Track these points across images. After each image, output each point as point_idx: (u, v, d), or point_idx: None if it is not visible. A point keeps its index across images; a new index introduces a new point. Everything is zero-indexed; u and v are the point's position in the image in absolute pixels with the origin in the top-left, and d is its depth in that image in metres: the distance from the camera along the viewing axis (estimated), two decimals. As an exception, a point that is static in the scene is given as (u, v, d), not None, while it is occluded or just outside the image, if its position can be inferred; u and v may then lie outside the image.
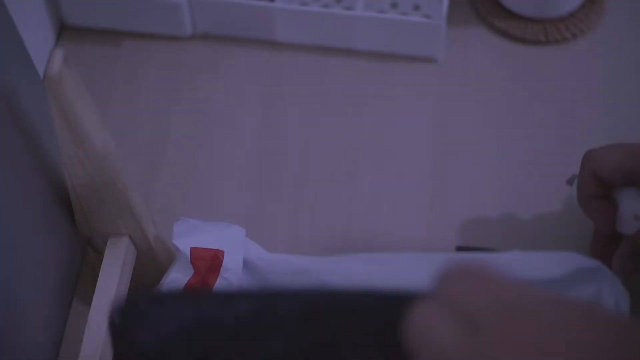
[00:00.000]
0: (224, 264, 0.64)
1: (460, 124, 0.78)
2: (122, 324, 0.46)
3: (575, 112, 0.78)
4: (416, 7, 0.82)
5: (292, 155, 0.77)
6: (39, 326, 0.59)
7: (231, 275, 0.64)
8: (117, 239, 0.63)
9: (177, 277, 0.64)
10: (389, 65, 0.81)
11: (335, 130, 0.78)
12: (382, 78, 0.81)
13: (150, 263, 0.66)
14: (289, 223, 0.73)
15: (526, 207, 0.73)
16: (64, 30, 0.84)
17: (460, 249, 0.70)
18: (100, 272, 0.62)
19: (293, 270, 0.66)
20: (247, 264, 0.65)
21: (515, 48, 0.82)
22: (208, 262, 0.64)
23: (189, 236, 0.64)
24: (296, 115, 0.79)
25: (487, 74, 0.81)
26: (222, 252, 0.64)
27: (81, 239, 0.64)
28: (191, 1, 0.81)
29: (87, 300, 0.62)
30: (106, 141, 0.57)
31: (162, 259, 0.66)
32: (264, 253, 0.66)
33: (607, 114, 0.78)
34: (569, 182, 0.68)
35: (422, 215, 0.73)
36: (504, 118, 0.79)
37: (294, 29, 0.81)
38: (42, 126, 0.58)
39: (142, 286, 0.68)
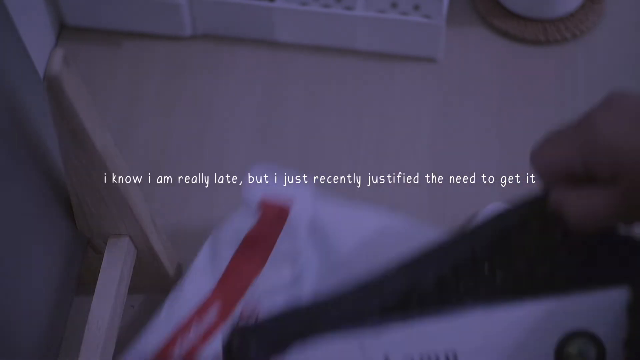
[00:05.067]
0: (290, 215, 0.65)
1: (460, 123, 0.78)
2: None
3: (575, 112, 0.78)
4: (416, 7, 0.82)
5: (292, 156, 0.77)
6: (38, 326, 0.59)
7: (297, 228, 0.65)
8: (117, 239, 0.63)
9: (242, 221, 0.65)
10: (389, 65, 0.81)
11: (335, 130, 0.78)
12: (382, 78, 0.81)
13: (150, 263, 0.66)
14: (289, 223, 0.73)
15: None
16: (64, 30, 0.84)
17: None
18: (100, 272, 0.62)
19: (361, 226, 0.66)
20: (313, 220, 0.66)
21: (515, 48, 0.82)
22: (275, 212, 0.65)
23: (259, 184, 0.65)
24: (296, 115, 0.79)
25: (487, 74, 0.81)
26: (290, 203, 0.65)
27: (81, 239, 0.64)
28: (191, 1, 0.81)
29: (87, 300, 0.62)
30: (106, 141, 0.57)
31: (162, 259, 0.66)
32: (335, 205, 0.67)
33: (607, 114, 0.78)
34: None
35: (421, 215, 0.73)
36: (503, 118, 0.79)
37: (294, 29, 0.81)
38: (42, 126, 0.58)
39: (141, 286, 0.68)
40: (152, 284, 0.68)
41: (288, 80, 0.81)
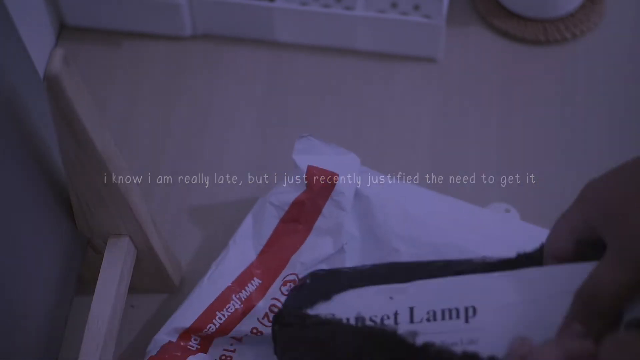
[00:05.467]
0: (336, 187, 0.66)
1: (460, 123, 0.78)
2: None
3: (575, 112, 0.78)
4: (416, 7, 0.82)
5: (292, 156, 0.77)
6: (39, 326, 0.59)
7: (342, 199, 0.66)
8: (117, 239, 0.63)
9: (288, 190, 0.67)
10: (389, 65, 0.81)
11: (336, 130, 0.78)
12: (382, 78, 0.81)
13: (150, 263, 0.66)
14: (289, 223, 0.73)
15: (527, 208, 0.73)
16: (64, 30, 0.84)
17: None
18: (100, 272, 0.62)
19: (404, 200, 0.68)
20: (358, 193, 0.67)
21: (515, 48, 0.82)
22: (322, 182, 0.66)
23: (308, 154, 0.67)
24: (296, 115, 0.79)
25: (487, 74, 0.81)
26: (337, 175, 0.66)
27: (81, 239, 0.64)
28: (191, 1, 0.81)
29: (87, 300, 0.62)
30: (106, 141, 0.57)
31: (162, 259, 0.66)
32: (381, 179, 0.69)
33: (607, 114, 0.78)
34: None
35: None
36: (503, 118, 0.79)
37: (294, 29, 0.81)
38: (42, 126, 0.58)
39: (141, 286, 0.68)
40: (152, 284, 0.68)
41: (288, 80, 0.81)
